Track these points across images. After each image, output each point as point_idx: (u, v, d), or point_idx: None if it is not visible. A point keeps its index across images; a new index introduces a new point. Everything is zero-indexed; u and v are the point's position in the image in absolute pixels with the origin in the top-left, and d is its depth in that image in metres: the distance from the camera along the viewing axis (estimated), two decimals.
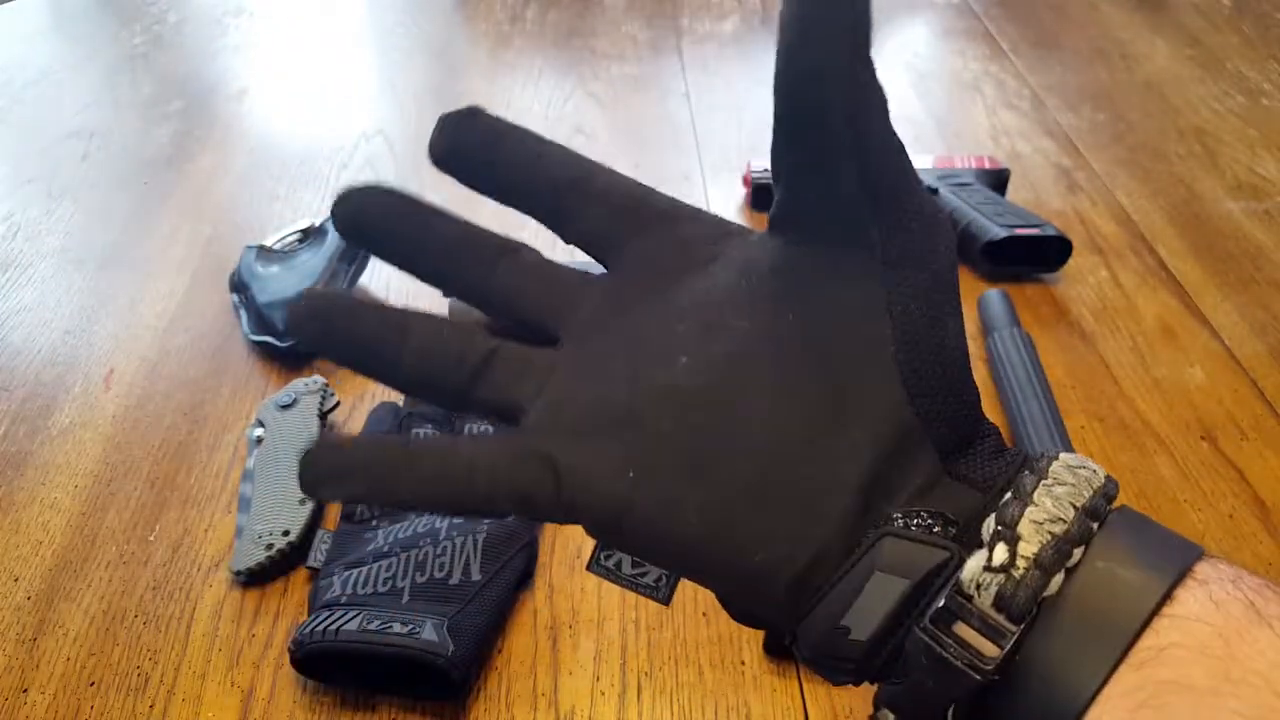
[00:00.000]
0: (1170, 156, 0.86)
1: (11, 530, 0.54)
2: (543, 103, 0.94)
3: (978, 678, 0.21)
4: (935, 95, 0.96)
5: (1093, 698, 0.20)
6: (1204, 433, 0.58)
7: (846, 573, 0.23)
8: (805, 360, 0.24)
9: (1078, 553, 0.21)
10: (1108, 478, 0.23)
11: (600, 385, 0.25)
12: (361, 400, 0.61)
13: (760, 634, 0.47)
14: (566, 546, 0.52)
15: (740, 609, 0.26)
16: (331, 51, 1.06)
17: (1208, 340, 0.66)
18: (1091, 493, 0.22)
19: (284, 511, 0.52)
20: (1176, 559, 0.21)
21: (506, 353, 0.26)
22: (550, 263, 0.27)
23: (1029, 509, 0.22)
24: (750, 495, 0.23)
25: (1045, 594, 0.21)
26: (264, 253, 0.69)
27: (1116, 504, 0.23)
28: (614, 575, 0.26)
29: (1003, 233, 0.69)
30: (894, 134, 0.23)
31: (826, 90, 0.22)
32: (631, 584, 0.26)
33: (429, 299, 0.70)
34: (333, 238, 0.68)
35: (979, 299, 0.67)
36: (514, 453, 0.25)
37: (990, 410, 0.50)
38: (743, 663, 0.46)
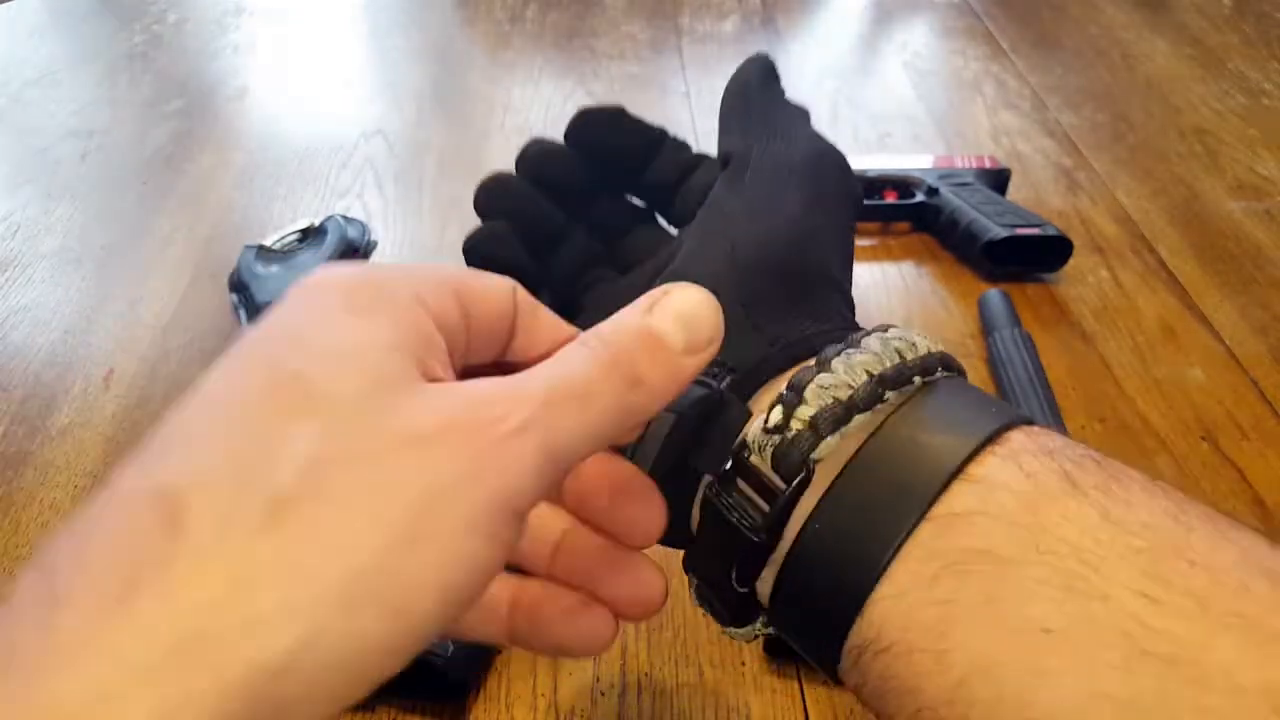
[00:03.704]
0: (1171, 156, 0.85)
1: (11, 530, 0.54)
2: (543, 102, 0.94)
3: (750, 536, 0.21)
4: (935, 95, 0.96)
5: (887, 564, 0.20)
6: (1204, 433, 0.58)
7: None
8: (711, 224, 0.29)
9: (860, 419, 0.21)
10: (934, 353, 0.23)
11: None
12: None
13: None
14: None
15: None
16: (331, 51, 1.06)
17: (1208, 340, 0.66)
18: (896, 361, 0.22)
19: None
20: (985, 425, 0.21)
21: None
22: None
23: (820, 375, 0.22)
24: None
25: (816, 456, 0.21)
26: (264, 252, 0.69)
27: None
28: None
29: (1003, 232, 0.69)
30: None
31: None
32: None
33: None
34: (332, 238, 0.67)
35: (979, 298, 0.67)
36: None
37: None
38: (743, 663, 0.46)
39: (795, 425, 0.21)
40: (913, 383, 0.22)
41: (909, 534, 0.20)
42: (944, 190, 0.75)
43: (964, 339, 0.66)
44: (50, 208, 0.80)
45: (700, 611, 0.49)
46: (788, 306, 0.25)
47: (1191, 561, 0.18)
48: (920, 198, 0.76)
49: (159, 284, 0.71)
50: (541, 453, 0.18)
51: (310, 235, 0.70)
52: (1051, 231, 0.70)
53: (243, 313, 0.66)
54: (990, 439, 0.21)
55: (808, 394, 0.22)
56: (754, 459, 0.22)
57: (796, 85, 0.95)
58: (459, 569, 0.17)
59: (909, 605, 0.20)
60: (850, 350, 0.22)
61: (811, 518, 0.21)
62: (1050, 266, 0.71)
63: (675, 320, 0.20)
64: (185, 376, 0.63)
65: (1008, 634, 0.18)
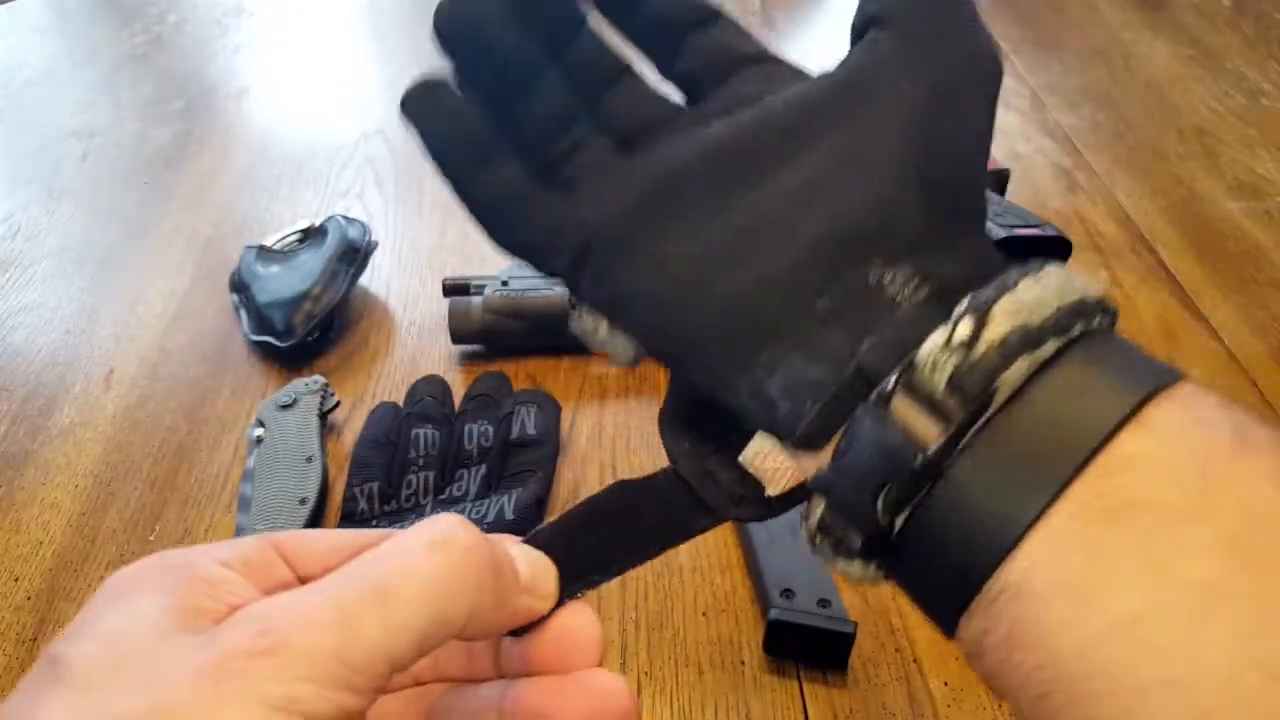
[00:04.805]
0: (1170, 156, 0.86)
1: (12, 530, 0.54)
2: None
3: (913, 459, 0.20)
4: None
5: (1048, 504, 0.19)
6: None
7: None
8: (817, 129, 0.25)
9: (1050, 346, 0.20)
10: (1106, 297, 0.21)
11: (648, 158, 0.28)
12: (361, 401, 0.61)
13: (760, 634, 0.47)
14: None
15: (690, 372, 0.25)
16: (331, 51, 1.06)
17: (1207, 340, 0.66)
18: (1080, 297, 0.20)
19: (284, 512, 0.52)
20: (1158, 377, 0.20)
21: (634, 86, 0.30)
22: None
23: (1006, 295, 0.20)
24: (730, 248, 0.24)
25: (1002, 381, 0.19)
26: (264, 253, 0.69)
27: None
28: (587, 337, 0.27)
29: (1002, 233, 0.69)
30: None
31: None
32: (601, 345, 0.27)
33: (429, 300, 0.70)
34: (332, 238, 0.68)
35: None
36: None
37: None
38: (743, 663, 0.46)
39: (982, 346, 0.19)
40: (1094, 322, 0.21)
41: (1077, 471, 0.19)
42: None
43: None
44: (51, 208, 0.80)
45: (700, 611, 0.50)
46: (968, 228, 0.23)
47: None
48: None
49: (160, 284, 0.71)
50: (308, 658, 0.18)
51: (311, 235, 0.70)
52: (1050, 232, 0.70)
53: (243, 313, 0.66)
54: (1163, 388, 0.19)
55: (996, 312, 0.20)
56: (923, 376, 0.20)
57: None
58: None
59: (1062, 548, 0.18)
60: (1036, 278, 0.20)
61: (958, 437, 0.20)
62: None
63: (525, 560, 0.23)
64: (185, 376, 0.63)
65: (1163, 588, 0.17)
